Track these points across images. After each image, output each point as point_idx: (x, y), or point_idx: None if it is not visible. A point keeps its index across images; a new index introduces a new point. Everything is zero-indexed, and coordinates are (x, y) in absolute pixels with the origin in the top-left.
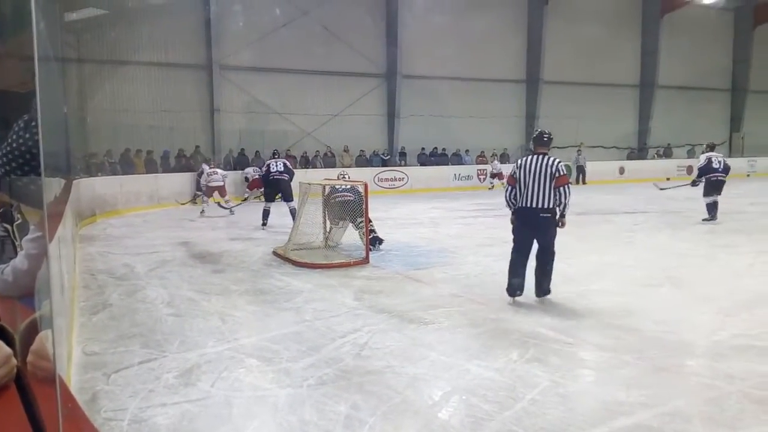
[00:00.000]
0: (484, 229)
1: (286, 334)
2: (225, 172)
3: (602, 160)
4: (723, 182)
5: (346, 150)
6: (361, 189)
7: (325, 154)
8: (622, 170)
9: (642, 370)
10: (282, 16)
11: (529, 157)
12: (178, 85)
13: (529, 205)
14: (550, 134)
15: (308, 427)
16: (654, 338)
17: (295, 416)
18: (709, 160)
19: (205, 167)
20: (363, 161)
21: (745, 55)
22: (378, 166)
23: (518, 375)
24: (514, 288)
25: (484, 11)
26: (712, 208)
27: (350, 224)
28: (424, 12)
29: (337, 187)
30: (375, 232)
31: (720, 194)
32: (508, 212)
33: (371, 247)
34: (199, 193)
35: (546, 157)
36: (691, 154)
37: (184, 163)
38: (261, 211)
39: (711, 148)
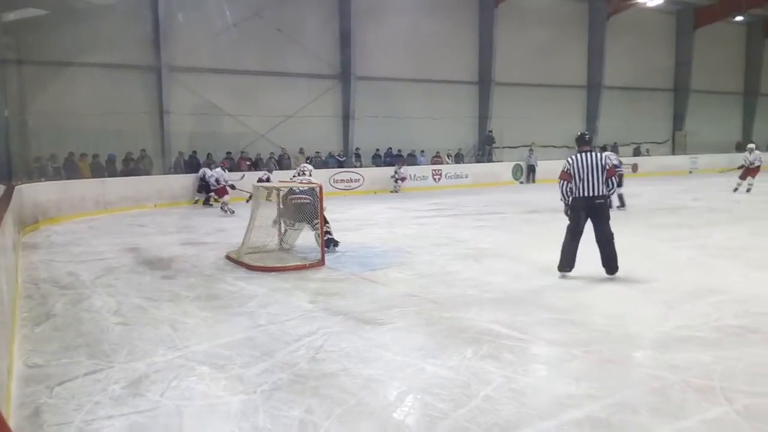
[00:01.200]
0: (439, 228)
1: (239, 339)
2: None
3: (553, 159)
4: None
5: (301, 152)
6: (317, 190)
7: (280, 156)
8: None
9: (590, 363)
10: (233, 16)
11: (580, 155)
12: (125, 87)
13: (587, 194)
14: (589, 134)
15: None
16: (602, 331)
17: (248, 423)
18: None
19: (218, 170)
20: (318, 163)
21: (686, 56)
22: (334, 168)
23: (472, 372)
24: (566, 265)
25: (436, 14)
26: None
27: (307, 226)
28: (378, 14)
29: (294, 189)
30: (330, 234)
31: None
32: (462, 212)
33: (327, 249)
34: (201, 194)
35: (594, 153)
36: (637, 152)
37: (132, 167)
38: (217, 213)
39: (603, 149)
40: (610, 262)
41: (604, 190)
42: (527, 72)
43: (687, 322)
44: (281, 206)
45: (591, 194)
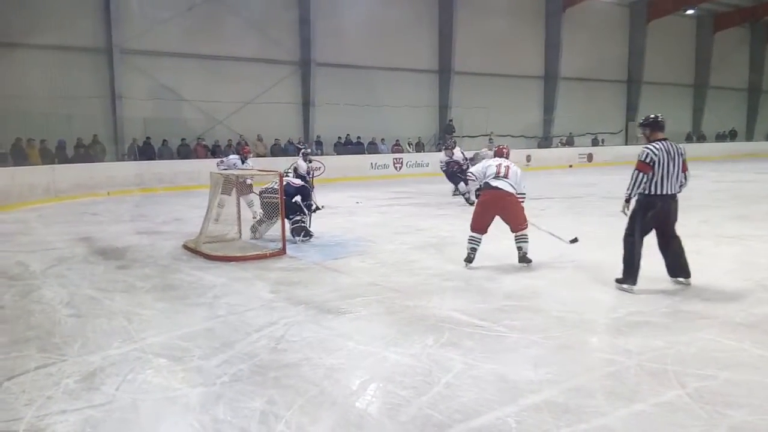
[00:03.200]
0: (400, 217)
1: (197, 330)
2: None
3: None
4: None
5: (259, 139)
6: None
7: (238, 143)
8: (529, 158)
9: (548, 348)
10: None
11: (663, 144)
12: (76, 70)
13: (669, 192)
14: (662, 117)
15: (222, 425)
16: (559, 318)
17: (207, 416)
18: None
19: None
20: (278, 150)
21: (639, 48)
22: (294, 155)
23: (434, 360)
24: (636, 278)
25: (397, 2)
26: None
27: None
28: (338, 1)
29: (268, 186)
30: (304, 222)
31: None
32: (423, 201)
33: (297, 237)
34: None
35: (673, 143)
36: (595, 143)
37: (83, 153)
38: (174, 201)
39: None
40: (685, 267)
41: (678, 187)
42: (486, 62)
43: (640, 308)
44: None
45: (670, 192)
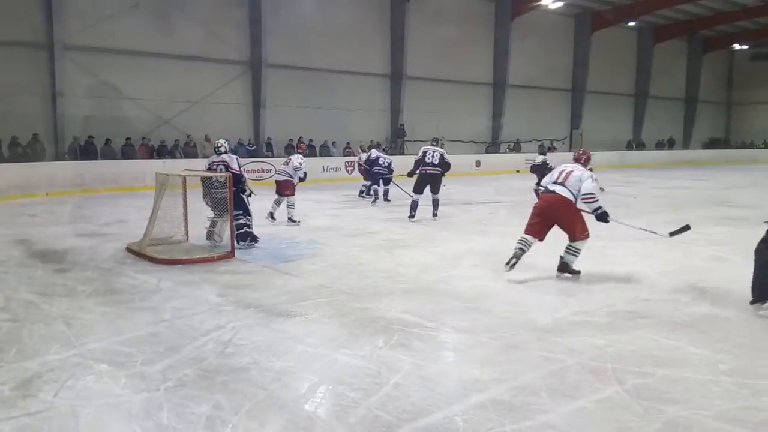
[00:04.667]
0: (352, 220)
1: (141, 335)
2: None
3: (461, 153)
4: (433, 176)
5: (207, 139)
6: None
7: (186, 144)
8: (478, 163)
9: (495, 348)
10: None
11: None
12: (13, 65)
13: None
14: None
15: (166, 431)
16: (506, 318)
17: (151, 422)
18: (425, 154)
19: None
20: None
21: (583, 57)
22: (243, 157)
23: (383, 361)
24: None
25: (349, 5)
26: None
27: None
28: (287, 2)
29: (214, 180)
30: (249, 227)
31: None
32: (375, 204)
33: (243, 242)
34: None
35: None
36: (541, 149)
37: (21, 152)
38: (116, 203)
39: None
40: None
41: None
42: (438, 68)
43: (583, 308)
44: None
45: None
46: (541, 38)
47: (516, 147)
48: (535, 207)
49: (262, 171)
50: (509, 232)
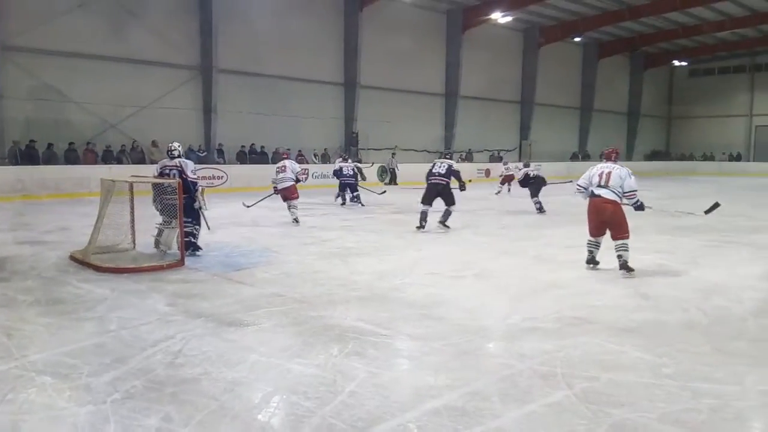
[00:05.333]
0: (307, 228)
1: (86, 346)
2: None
3: (414, 162)
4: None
5: (155, 145)
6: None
7: (132, 149)
8: None
9: (449, 355)
10: None
11: None
12: None
13: None
14: None
15: None
16: (459, 325)
17: None
18: (433, 165)
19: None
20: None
21: (532, 71)
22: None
23: (338, 369)
24: None
25: (303, 13)
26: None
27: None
28: (243, 7)
29: (165, 185)
30: (195, 237)
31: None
32: (329, 212)
33: (186, 251)
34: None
35: None
36: (493, 159)
37: None
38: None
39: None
40: None
41: None
42: (391, 77)
43: (532, 314)
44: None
45: None
46: (491, 51)
47: (468, 157)
48: (588, 212)
49: (214, 178)
50: (462, 240)
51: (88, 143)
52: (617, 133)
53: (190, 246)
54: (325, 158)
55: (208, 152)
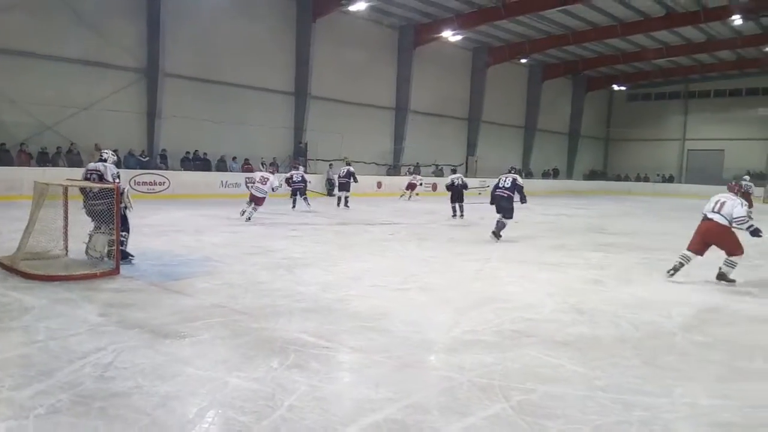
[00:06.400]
0: (251, 237)
1: (9, 358)
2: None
3: (363, 174)
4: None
5: (97, 148)
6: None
7: (69, 151)
8: (379, 184)
9: (390, 367)
10: None
11: None
12: None
13: None
14: None
15: None
16: (402, 337)
17: None
18: (499, 179)
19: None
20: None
21: (479, 89)
22: (134, 168)
23: (278, 383)
24: None
25: (255, 21)
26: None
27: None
28: (192, 11)
29: (95, 191)
30: (123, 244)
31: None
32: (275, 222)
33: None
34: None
35: None
36: (438, 173)
37: None
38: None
39: (453, 171)
40: None
41: None
42: (342, 89)
43: (474, 327)
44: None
45: None
46: (441, 68)
47: (416, 170)
48: (697, 231)
49: (155, 183)
50: (407, 253)
51: (21, 144)
52: (559, 152)
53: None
54: (273, 167)
55: (150, 157)
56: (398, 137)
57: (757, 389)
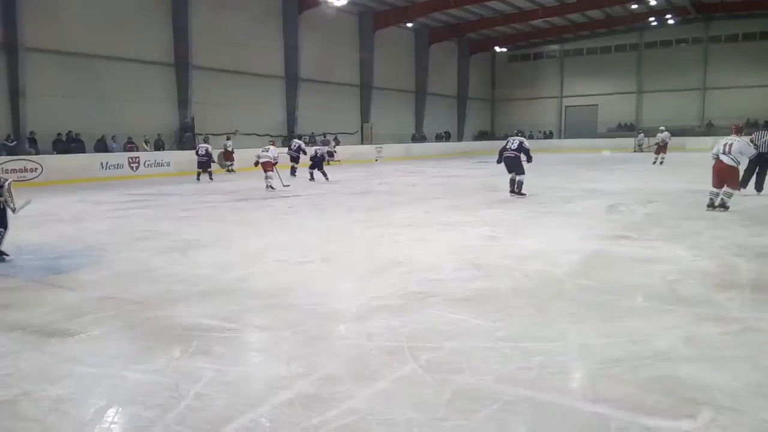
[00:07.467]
0: (139, 221)
1: None
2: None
3: (257, 147)
4: (510, 158)
5: None
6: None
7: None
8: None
9: (299, 342)
10: None
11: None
12: None
13: None
14: None
15: None
16: (308, 311)
17: None
18: (507, 141)
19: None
20: None
21: (368, 55)
22: (0, 155)
23: (181, 372)
24: None
25: None
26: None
27: None
28: None
29: None
30: None
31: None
32: (165, 203)
33: None
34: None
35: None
36: (336, 141)
37: None
38: None
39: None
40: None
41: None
42: (227, 58)
43: (379, 293)
44: None
45: None
46: (329, 34)
47: (311, 140)
48: (713, 171)
49: (26, 170)
50: (307, 225)
51: None
52: (449, 115)
53: None
54: (158, 145)
55: (18, 142)
56: (290, 107)
57: (638, 325)
